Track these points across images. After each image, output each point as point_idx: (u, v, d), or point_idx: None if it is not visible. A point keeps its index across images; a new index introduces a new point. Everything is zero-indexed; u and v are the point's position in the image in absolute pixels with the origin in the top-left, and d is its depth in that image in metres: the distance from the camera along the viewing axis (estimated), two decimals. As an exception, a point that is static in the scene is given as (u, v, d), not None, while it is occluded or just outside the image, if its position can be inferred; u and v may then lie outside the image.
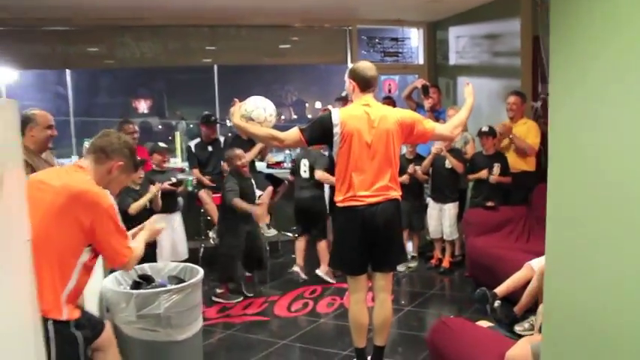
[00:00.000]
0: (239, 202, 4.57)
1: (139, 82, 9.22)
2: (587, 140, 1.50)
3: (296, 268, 5.26)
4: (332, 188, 4.52)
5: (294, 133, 3.12)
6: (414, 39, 7.27)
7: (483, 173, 5.05)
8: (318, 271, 5.16)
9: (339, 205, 3.18)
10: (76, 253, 2.29)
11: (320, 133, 3.11)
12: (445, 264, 5.41)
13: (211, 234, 5.49)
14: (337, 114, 3.10)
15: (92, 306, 2.86)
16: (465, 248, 5.07)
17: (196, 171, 5.77)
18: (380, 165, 3.10)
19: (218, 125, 6.06)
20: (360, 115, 3.10)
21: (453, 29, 6.74)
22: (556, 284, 1.65)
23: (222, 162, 5.69)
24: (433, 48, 7.16)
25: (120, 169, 2.50)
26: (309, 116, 11.14)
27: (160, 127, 9.93)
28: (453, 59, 6.77)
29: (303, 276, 5.20)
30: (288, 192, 5.72)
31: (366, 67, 3.18)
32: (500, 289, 3.81)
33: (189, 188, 5.53)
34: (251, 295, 4.85)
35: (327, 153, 4.96)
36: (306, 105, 10.55)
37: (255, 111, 3.17)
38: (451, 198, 5.31)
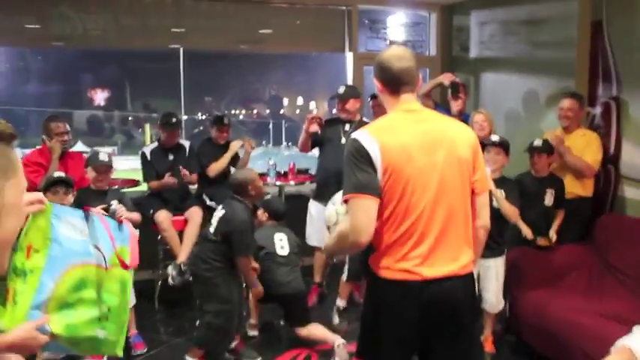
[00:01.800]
0: (253, 274, 3.44)
1: (85, 66, 7.68)
2: None
3: None
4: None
5: (355, 207, 1.86)
6: (428, 24, 6.01)
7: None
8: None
9: (382, 274, 1.94)
10: None
11: (373, 172, 1.87)
12: (488, 347, 3.58)
13: (171, 270, 4.16)
14: (370, 139, 1.88)
15: None
16: (508, 302, 3.68)
17: (154, 185, 4.44)
18: (451, 212, 1.93)
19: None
20: (409, 131, 1.93)
21: (475, 14, 5.50)
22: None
23: (190, 174, 4.44)
24: (449, 37, 5.91)
25: None
26: (282, 112, 9.82)
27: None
28: (474, 51, 5.53)
29: None
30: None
31: (393, 55, 2.01)
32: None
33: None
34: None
35: None
36: (284, 102, 9.20)
37: (326, 209, 2.18)
38: (497, 250, 3.51)
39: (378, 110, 4.33)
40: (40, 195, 1.64)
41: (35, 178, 3.78)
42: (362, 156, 1.86)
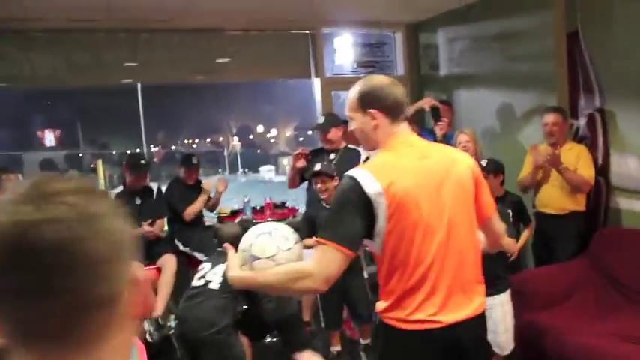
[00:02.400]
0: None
1: (36, 108, 7.23)
2: None
3: None
4: None
5: (329, 255, 1.68)
6: (393, 44, 5.87)
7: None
8: None
9: (397, 326, 1.79)
10: None
11: (363, 223, 1.71)
12: None
13: (147, 326, 3.79)
14: (372, 181, 1.71)
15: None
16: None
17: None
18: (462, 252, 1.82)
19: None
20: (414, 170, 1.78)
21: (443, 31, 5.38)
22: None
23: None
24: (416, 55, 5.78)
25: None
26: (252, 138, 9.56)
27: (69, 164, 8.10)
28: (445, 69, 5.40)
29: None
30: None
31: (386, 81, 1.89)
32: None
33: None
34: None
35: None
36: (252, 131, 8.93)
37: (255, 243, 1.78)
38: (502, 284, 3.13)
39: (349, 138, 4.11)
40: None
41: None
42: (359, 200, 1.69)
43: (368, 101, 1.84)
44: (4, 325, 0.55)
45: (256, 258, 1.75)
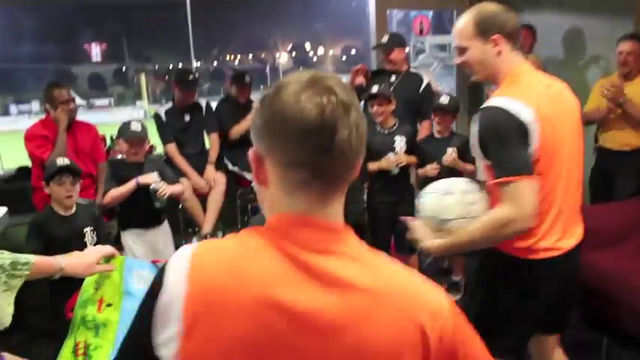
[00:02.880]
0: None
1: (84, 22, 7.18)
2: None
3: None
4: None
5: (523, 190, 1.67)
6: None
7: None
8: None
9: (525, 256, 1.81)
10: None
11: (527, 149, 1.72)
12: None
13: (195, 242, 3.87)
14: (523, 107, 1.70)
15: None
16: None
17: (172, 148, 4.08)
18: (577, 183, 1.91)
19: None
20: (547, 96, 1.78)
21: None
22: None
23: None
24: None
25: None
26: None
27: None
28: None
29: None
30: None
31: (501, 8, 1.84)
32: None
33: (158, 205, 3.23)
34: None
35: None
36: (307, 49, 8.69)
37: (442, 206, 1.84)
38: None
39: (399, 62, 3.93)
40: (112, 249, 1.68)
41: (42, 153, 3.43)
42: (519, 128, 1.69)
43: (488, 27, 1.80)
44: (298, 171, 0.84)
45: (448, 220, 1.79)
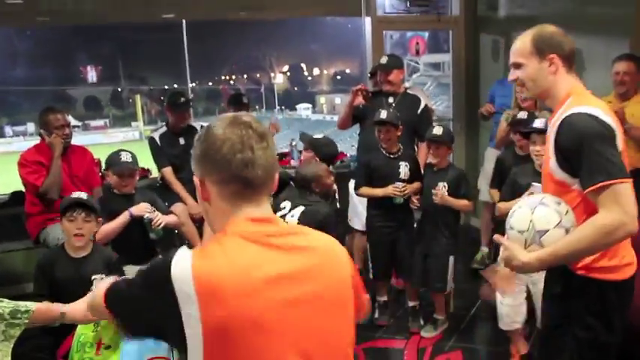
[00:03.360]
0: None
1: (79, 45, 7.19)
2: None
3: None
4: None
5: (623, 192, 1.65)
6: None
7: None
8: None
9: (609, 278, 1.79)
10: None
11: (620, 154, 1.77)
12: None
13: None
14: (603, 114, 1.75)
15: None
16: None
17: (169, 172, 4.03)
18: None
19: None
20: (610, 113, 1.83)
21: (504, -33, 5.01)
22: None
23: None
24: (473, -7, 5.42)
25: None
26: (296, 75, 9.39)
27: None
28: (504, 9, 5.06)
29: None
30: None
31: (560, 31, 1.90)
32: None
33: (153, 236, 3.16)
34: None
35: None
36: (303, 70, 8.74)
37: (535, 218, 1.74)
38: None
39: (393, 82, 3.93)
40: None
41: (36, 179, 3.36)
42: (610, 134, 1.72)
43: (545, 47, 1.84)
44: (231, 185, 1.14)
45: (544, 232, 1.72)
